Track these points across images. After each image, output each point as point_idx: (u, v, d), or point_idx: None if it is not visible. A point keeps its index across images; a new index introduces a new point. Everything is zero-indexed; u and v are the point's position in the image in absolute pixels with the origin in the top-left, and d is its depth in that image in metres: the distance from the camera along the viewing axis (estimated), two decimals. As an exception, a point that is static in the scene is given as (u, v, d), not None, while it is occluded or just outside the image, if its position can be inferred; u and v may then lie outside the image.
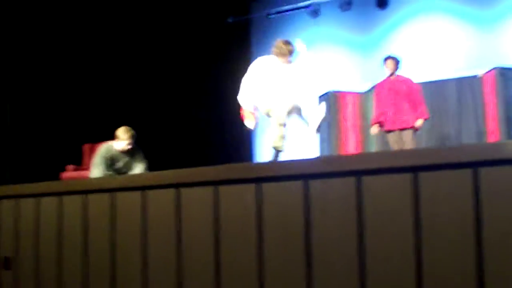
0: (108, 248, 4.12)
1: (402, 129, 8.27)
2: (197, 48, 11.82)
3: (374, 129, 8.58)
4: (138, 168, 7.52)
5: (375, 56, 11.62)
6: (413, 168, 2.94)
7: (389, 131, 8.40)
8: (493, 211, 2.75)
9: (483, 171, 2.79)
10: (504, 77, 9.21)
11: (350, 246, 3.08)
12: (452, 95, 9.93)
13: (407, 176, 2.95)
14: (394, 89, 8.34)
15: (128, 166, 7.57)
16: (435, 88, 9.80)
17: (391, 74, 8.47)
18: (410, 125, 8.25)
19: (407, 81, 8.45)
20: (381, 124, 8.49)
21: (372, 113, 9.60)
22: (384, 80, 8.55)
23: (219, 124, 11.84)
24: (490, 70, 9.58)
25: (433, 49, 11.23)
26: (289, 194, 3.31)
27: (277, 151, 6.61)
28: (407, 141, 8.17)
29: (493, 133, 9.38)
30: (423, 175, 2.92)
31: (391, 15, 11.90)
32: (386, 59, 8.55)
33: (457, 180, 2.85)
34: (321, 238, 3.19)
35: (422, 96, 8.43)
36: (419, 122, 8.27)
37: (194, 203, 3.70)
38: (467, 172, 2.81)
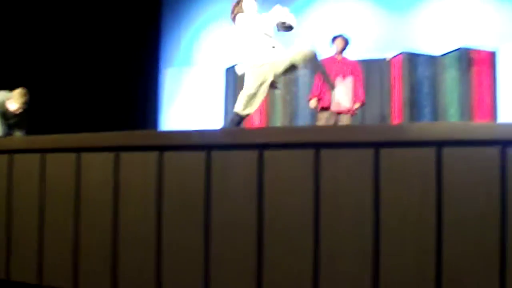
0: (5, 211, 4.01)
1: (340, 112, 8.22)
2: (104, 13, 11.58)
3: (313, 103, 8.47)
4: (20, 132, 7.57)
5: (285, 34, 11.67)
6: (315, 144, 2.96)
7: (325, 109, 8.31)
8: (392, 192, 2.80)
9: (384, 151, 2.83)
10: (411, 62, 9.38)
11: (249, 218, 3.09)
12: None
13: (309, 152, 2.97)
14: (341, 71, 8.27)
15: (12, 127, 7.59)
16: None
17: (338, 54, 8.43)
18: (350, 110, 8.22)
19: (353, 64, 8.43)
20: (318, 99, 8.36)
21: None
22: (331, 58, 8.45)
23: (127, 91, 11.67)
24: (398, 54, 9.74)
25: (344, 29, 11.31)
26: (191, 164, 3.29)
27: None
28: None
29: (397, 116, 9.56)
30: (325, 152, 2.94)
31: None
32: (335, 37, 8.47)
33: (358, 159, 2.88)
34: (220, 209, 3.19)
35: (362, 80, 8.46)
36: (355, 106, 8.28)
37: (94, 168, 3.64)
38: (368, 152, 2.85)
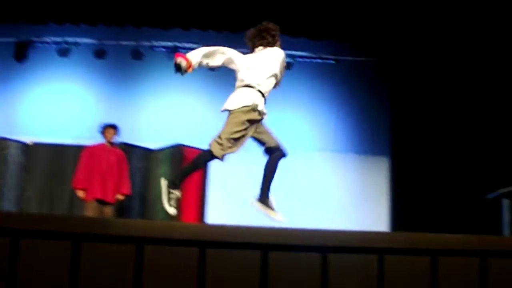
0: None
1: (105, 202, 8.00)
2: None
3: (81, 193, 8.11)
4: None
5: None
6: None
7: (92, 200, 8.02)
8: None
9: (86, 245, 2.77)
10: (126, 153, 9.33)
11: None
12: (70, 160, 9.72)
13: (67, 244, 2.82)
14: (109, 159, 8.10)
15: None
16: (55, 152, 9.66)
17: (110, 143, 8.24)
18: (113, 200, 8.05)
19: (119, 153, 8.31)
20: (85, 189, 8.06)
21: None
22: (98, 146, 8.27)
23: None
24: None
25: (62, 112, 11.06)
26: None
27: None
28: (109, 215, 8.05)
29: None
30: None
31: (31, 69, 11.50)
32: (107, 126, 8.26)
33: (57, 250, 2.80)
34: None
35: (128, 170, 8.37)
36: (120, 197, 8.12)
37: None
38: (67, 245, 2.77)
